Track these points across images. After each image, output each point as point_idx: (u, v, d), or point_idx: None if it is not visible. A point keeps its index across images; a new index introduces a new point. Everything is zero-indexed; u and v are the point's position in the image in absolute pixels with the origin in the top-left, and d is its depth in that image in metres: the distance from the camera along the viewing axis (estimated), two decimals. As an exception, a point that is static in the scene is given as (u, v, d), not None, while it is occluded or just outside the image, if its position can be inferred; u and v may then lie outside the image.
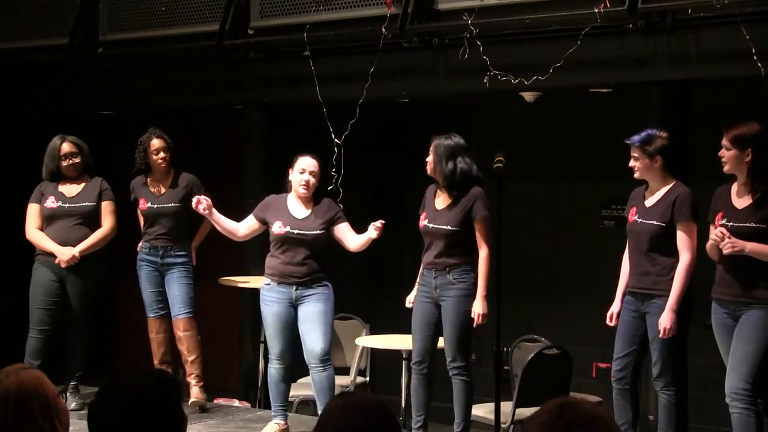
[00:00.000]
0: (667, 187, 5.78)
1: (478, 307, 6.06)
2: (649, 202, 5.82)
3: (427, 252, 6.28)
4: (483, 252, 6.11)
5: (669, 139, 5.77)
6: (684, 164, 6.28)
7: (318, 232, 6.38)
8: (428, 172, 6.26)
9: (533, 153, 7.67)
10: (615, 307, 5.91)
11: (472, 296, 6.09)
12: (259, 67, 7.92)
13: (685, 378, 6.12)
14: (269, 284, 6.41)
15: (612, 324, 5.90)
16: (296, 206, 6.45)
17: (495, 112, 7.91)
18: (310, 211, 6.44)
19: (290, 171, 6.46)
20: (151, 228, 7.21)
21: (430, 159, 6.24)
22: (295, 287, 6.36)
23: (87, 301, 7.25)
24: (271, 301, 6.39)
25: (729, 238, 5.27)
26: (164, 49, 8.15)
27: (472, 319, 6.08)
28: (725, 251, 5.29)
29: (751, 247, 5.28)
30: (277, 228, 6.38)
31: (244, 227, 6.57)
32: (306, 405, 7.27)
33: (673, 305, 5.61)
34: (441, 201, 6.29)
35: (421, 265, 6.35)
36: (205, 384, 7.24)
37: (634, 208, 5.88)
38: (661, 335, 5.62)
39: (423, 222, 6.31)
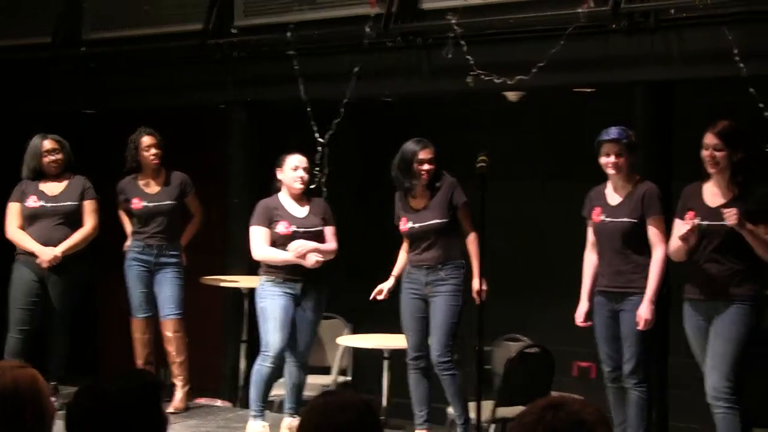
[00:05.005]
0: (633, 184, 5.80)
1: (476, 284, 6.09)
2: (614, 200, 5.83)
3: (415, 252, 6.33)
4: (471, 236, 6.23)
5: (635, 136, 5.83)
6: (668, 164, 6.30)
7: (320, 228, 6.44)
8: (426, 178, 6.26)
9: (516, 152, 7.67)
10: (582, 307, 5.93)
11: (461, 292, 6.19)
12: (242, 66, 7.90)
13: (662, 375, 6.17)
14: (272, 280, 6.39)
15: (581, 324, 5.92)
16: (293, 206, 6.46)
17: (479, 111, 7.91)
18: (307, 208, 6.47)
19: (279, 171, 6.46)
20: (146, 227, 7.17)
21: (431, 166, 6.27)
22: (300, 285, 6.36)
23: (68, 302, 7.19)
24: (277, 294, 6.35)
25: (726, 211, 5.18)
26: (147, 48, 8.13)
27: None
28: (730, 221, 5.16)
29: (750, 226, 5.21)
30: (283, 228, 6.38)
31: (268, 244, 6.43)
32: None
33: (652, 297, 5.63)
34: (418, 201, 6.34)
35: (401, 263, 6.41)
36: (191, 388, 7.23)
37: (598, 208, 5.87)
38: (640, 327, 5.63)
39: (406, 225, 6.34)
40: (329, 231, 6.49)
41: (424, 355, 6.35)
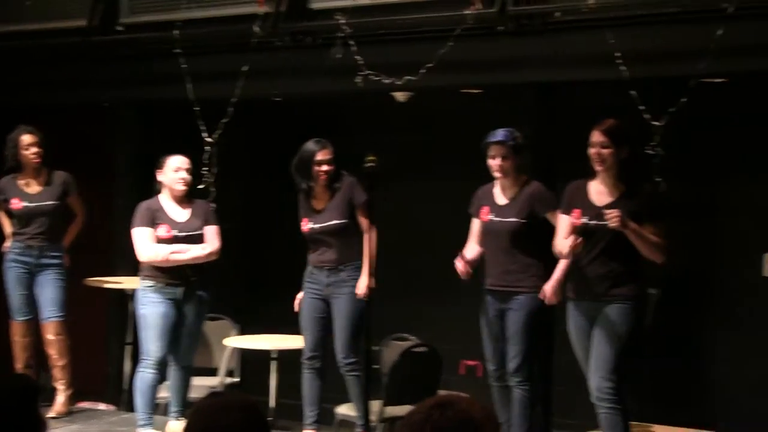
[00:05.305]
0: (521, 185, 5.87)
1: (365, 281, 6.08)
2: (502, 200, 5.90)
3: (316, 253, 6.36)
4: (368, 235, 6.23)
5: (522, 137, 5.89)
6: (551, 164, 6.40)
7: (201, 232, 6.36)
8: (325, 179, 6.29)
9: (405, 152, 7.71)
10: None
11: None
12: (128, 64, 7.77)
13: (546, 373, 6.27)
14: (152, 286, 6.29)
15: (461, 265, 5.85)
16: (174, 208, 6.36)
17: (368, 111, 7.93)
18: (188, 211, 6.38)
19: (160, 172, 6.36)
20: (27, 228, 6.99)
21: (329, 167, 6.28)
22: (182, 289, 6.27)
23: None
24: (158, 301, 6.27)
25: (608, 213, 5.20)
26: (30, 45, 7.93)
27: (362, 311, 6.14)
28: (612, 223, 5.16)
29: (633, 225, 5.22)
30: (164, 232, 6.29)
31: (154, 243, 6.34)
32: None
33: (561, 277, 5.68)
34: (318, 202, 6.35)
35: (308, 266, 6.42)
36: (73, 392, 7.08)
37: (486, 207, 5.93)
38: (548, 300, 5.67)
39: (307, 226, 6.36)
40: (210, 231, 6.39)
41: (320, 355, 6.36)
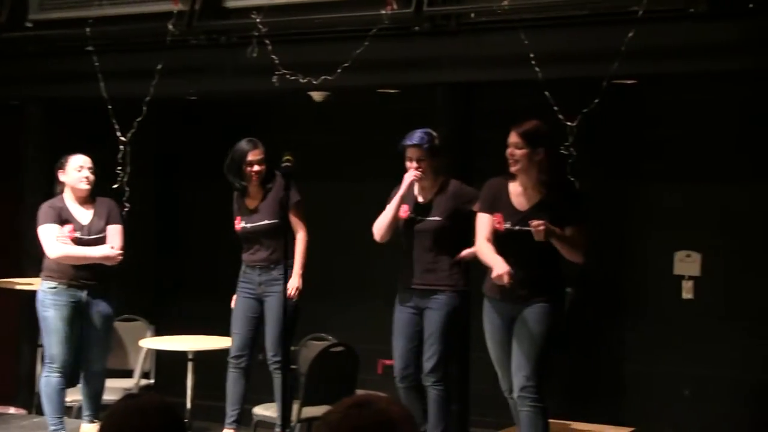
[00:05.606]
0: (439, 184, 5.90)
1: (294, 282, 6.21)
2: (422, 199, 5.90)
3: (249, 252, 6.38)
4: (300, 234, 6.31)
5: (439, 138, 5.90)
6: (468, 165, 6.44)
7: (104, 234, 6.26)
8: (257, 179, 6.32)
9: (323, 152, 7.71)
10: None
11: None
12: (38, 61, 7.65)
13: (463, 372, 6.32)
14: (54, 287, 6.17)
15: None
16: (77, 209, 6.26)
17: (286, 111, 7.91)
18: (92, 212, 6.28)
19: (62, 172, 6.27)
20: None
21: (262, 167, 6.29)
22: (86, 291, 6.17)
23: None
24: (61, 305, 6.15)
25: (533, 225, 5.13)
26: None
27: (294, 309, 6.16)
28: (538, 237, 5.12)
29: (558, 232, 5.20)
30: (68, 232, 6.18)
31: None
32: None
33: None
34: (251, 201, 6.38)
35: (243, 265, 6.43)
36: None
37: (406, 206, 5.92)
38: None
39: (239, 225, 6.39)
40: (113, 230, 6.30)
41: (247, 354, 6.38)
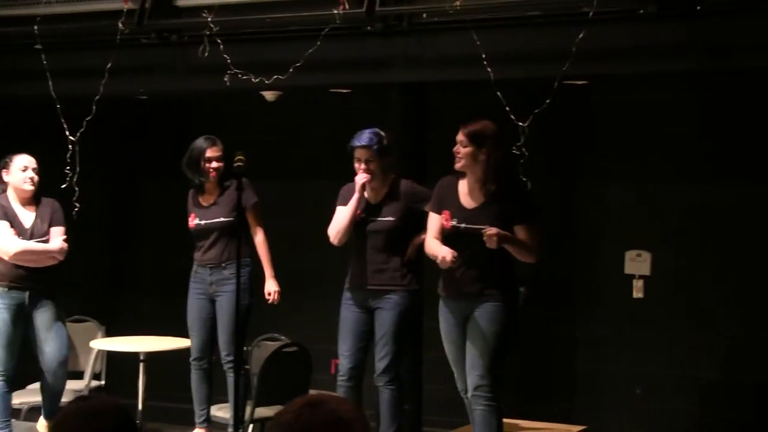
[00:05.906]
0: (389, 184, 5.89)
1: (272, 286, 6.29)
2: (374, 200, 5.90)
3: (200, 251, 6.38)
4: (260, 236, 6.33)
5: (388, 138, 5.89)
6: (421, 165, 6.45)
7: (47, 237, 6.22)
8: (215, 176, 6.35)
9: (273, 151, 7.69)
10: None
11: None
12: (-16, 59, 7.54)
13: (416, 371, 6.32)
14: None
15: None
16: (21, 211, 6.23)
17: (238, 110, 7.88)
18: (34, 214, 6.24)
19: (5, 173, 6.21)
20: None
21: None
22: (28, 293, 6.10)
23: None
24: (2, 308, 6.10)
25: (486, 233, 5.14)
26: None
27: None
28: (490, 245, 5.12)
29: (509, 237, 5.20)
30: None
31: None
32: (36, 411, 6.97)
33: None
34: (207, 198, 6.39)
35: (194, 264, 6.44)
36: None
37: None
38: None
39: (194, 222, 6.39)
40: (55, 232, 6.25)
41: (207, 356, 6.38)
